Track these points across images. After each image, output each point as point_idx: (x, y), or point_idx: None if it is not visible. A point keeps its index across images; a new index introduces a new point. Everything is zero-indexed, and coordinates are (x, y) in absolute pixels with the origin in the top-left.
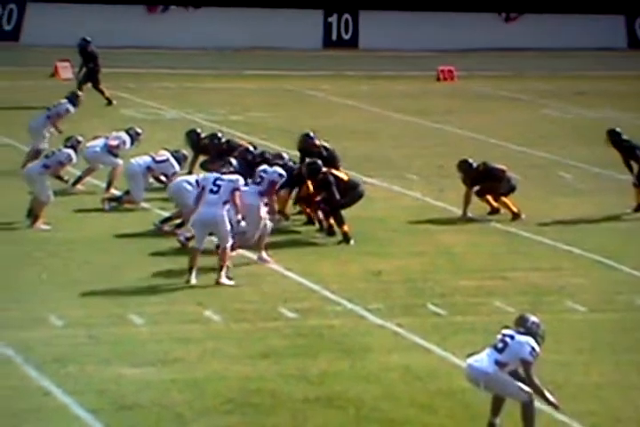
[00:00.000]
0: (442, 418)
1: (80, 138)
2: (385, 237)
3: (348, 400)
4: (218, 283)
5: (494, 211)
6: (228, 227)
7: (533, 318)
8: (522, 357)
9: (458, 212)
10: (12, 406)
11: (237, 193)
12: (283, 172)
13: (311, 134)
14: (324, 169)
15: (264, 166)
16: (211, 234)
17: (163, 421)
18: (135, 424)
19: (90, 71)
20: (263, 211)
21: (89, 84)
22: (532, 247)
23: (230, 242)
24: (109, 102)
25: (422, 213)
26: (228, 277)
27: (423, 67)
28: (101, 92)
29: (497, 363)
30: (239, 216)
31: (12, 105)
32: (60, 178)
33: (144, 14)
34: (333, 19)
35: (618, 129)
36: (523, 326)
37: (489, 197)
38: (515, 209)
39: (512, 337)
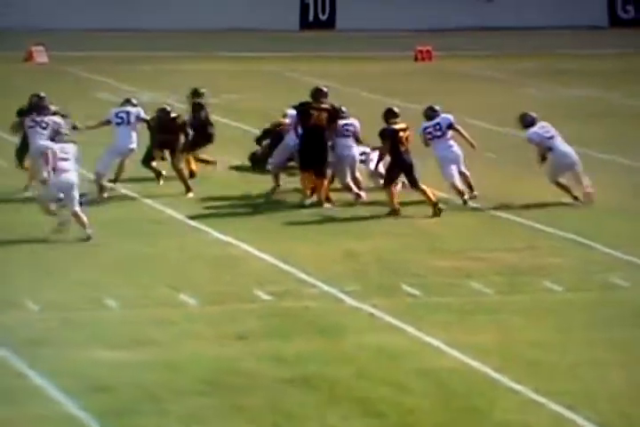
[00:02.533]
0: (416, 397)
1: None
2: (360, 219)
3: (322, 380)
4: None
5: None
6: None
7: None
8: None
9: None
10: None
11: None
12: None
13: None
14: None
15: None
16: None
17: (138, 402)
18: (110, 406)
19: None
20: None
21: None
22: (507, 227)
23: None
24: None
25: (403, 194)
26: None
27: (401, 47)
28: None
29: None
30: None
31: None
32: None
33: None
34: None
35: None
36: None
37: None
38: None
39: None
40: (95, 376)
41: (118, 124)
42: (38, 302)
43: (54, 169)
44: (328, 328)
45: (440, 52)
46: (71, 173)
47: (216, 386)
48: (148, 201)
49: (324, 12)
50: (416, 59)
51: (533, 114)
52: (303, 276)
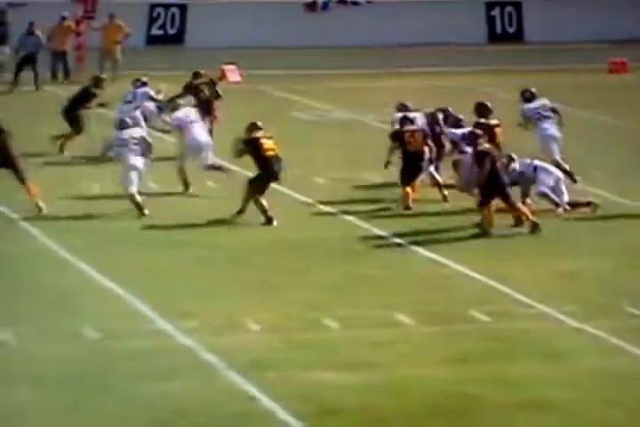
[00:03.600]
0: None
1: None
2: (571, 236)
3: (550, 405)
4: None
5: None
6: None
7: None
8: None
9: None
10: (220, 411)
11: None
12: None
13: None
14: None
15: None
16: None
17: (367, 425)
18: None
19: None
20: None
21: None
22: None
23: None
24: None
25: (607, 210)
26: None
27: (593, 59)
28: None
29: None
30: None
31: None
32: None
33: (303, 13)
34: (496, 12)
35: None
36: None
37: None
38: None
39: None
40: (322, 399)
41: None
42: (259, 323)
43: None
44: (550, 350)
45: (635, 64)
46: None
47: (442, 410)
48: (349, 218)
49: (511, 25)
50: (610, 71)
51: None
52: (519, 296)
